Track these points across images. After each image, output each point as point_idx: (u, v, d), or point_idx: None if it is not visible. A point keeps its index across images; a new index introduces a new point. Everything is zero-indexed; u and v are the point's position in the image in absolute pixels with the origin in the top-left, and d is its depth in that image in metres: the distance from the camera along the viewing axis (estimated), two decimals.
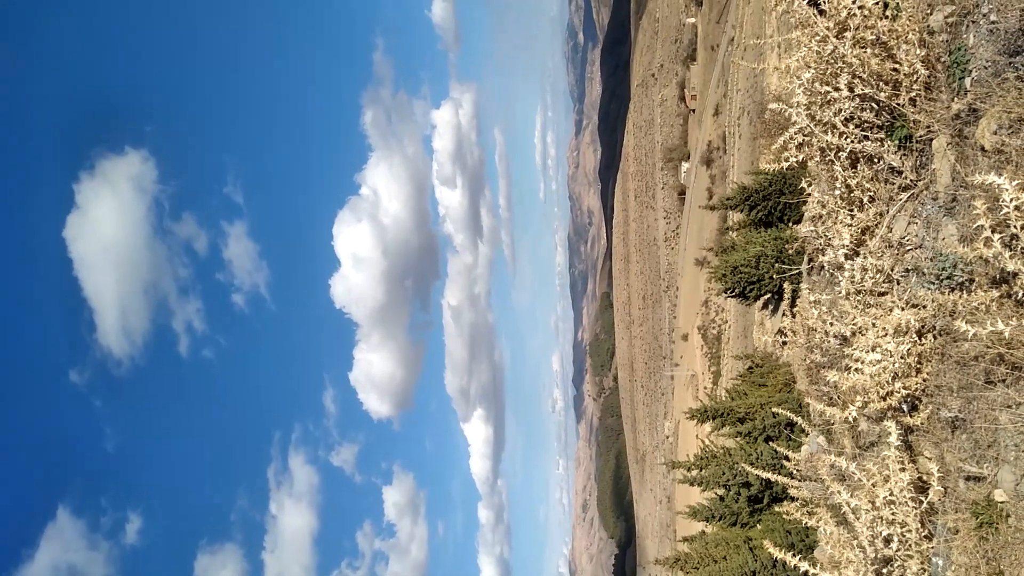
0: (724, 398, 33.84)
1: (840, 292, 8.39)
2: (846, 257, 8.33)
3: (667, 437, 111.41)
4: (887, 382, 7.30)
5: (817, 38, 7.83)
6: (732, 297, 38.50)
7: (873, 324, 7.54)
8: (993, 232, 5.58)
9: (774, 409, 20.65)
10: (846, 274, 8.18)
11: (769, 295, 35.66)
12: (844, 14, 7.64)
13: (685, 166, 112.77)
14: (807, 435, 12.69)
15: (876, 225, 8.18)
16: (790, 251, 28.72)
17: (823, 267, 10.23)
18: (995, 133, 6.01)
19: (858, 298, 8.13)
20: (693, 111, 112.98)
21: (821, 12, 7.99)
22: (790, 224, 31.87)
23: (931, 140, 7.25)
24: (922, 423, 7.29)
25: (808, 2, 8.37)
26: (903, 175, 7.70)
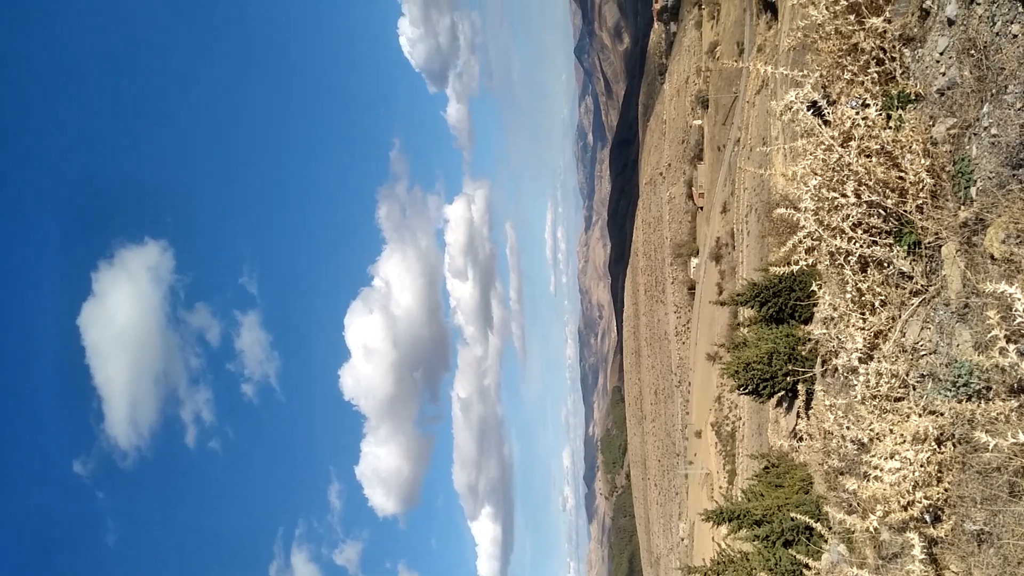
0: (740, 499, 32.89)
1: (855, 396, 8.27)
2: (860, 361, 8.26)
3: (682, 539, 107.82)
4: (908, 491, 7.09)
5: (823, 147, 8.03)
6: (745, 394, 37.98)
7: (891, 430, 7.39)
8: (1008, 341, 5.55)
9: (792, 513, 20.02)
10: (861, 378, 8.08)
11: (783, 392, 35.17)
12: (848, 124, 7.86)
13: (694, 262, 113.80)
14: (826, 541, 12.24)
15: (889, 329, 8.14)
16: (802, 351, 28.49)
17: (837, 370, 10.13)
18: (1003, 242, 6.06)
19: (874, 403, 8.00)
20: (701, 208, 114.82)
21: (826, 122, 8.22)
22: (800, 322, 31.73)
23: (940, 247, 7.31)
24: (946, 535, 7.03)
25: (812, 112, 8.61)
26: (914, 280, 7.72)
